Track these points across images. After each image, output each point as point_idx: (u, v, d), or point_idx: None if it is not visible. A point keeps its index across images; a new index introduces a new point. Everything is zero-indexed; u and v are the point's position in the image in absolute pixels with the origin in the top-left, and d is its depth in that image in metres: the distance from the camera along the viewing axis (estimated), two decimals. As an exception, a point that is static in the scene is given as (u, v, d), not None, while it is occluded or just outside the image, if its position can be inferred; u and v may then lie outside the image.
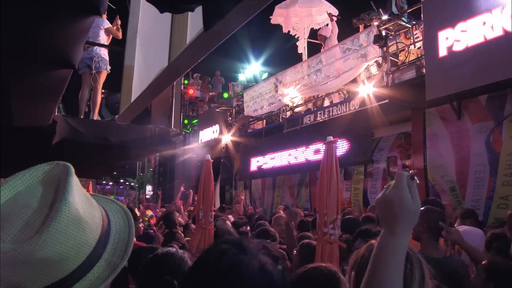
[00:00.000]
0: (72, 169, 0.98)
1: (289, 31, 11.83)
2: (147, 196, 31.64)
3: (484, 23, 5.99)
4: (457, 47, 6.31)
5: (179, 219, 5.86)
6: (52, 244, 0.87)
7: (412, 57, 7.67)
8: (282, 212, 6.84)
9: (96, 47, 6.64)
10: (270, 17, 11.57)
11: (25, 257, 0.84)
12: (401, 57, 7.91)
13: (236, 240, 1.05)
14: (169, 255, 2.02)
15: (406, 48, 7.98)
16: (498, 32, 5.82)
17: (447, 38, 6.45)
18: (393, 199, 1.12)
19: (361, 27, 9.13)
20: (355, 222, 4.50)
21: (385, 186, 1.18)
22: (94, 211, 1.01)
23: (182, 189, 10.00)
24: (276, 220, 5.25)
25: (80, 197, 0.97)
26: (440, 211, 3.44)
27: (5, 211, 0.88)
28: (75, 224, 0.92)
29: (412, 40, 7.96)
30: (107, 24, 6.91)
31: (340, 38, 9.88)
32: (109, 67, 6.82)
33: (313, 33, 11.61)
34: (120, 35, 7.05)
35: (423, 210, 3.36)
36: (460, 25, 6.29)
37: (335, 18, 10.29)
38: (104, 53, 6.74)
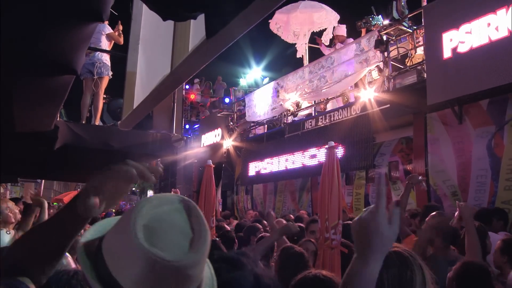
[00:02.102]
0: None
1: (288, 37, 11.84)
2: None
3: (489, 24, 5.97)
4: (462, 49, 6.30)
5: None
6: (198, 264, 0.95)
7: (415, 62, 7.68)
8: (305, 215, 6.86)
9: (97, 52, 6.67)
10: (269, 21, 11.52)
11: (182, 270, 0.91)
12: (409, 63, 7.91)
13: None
14: None
15: (413, 53, 7.99)
16: (503, 33, 5.80)
17: (451, 40, 6.45)
18: (369, 223, 1.07)
19: (363, 31, 9.15)
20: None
21: (363, 210, 1.14)
22: None
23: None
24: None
25: None
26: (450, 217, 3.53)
27: (153, 225, 0.94)
28: (206, 255, 1.00)
29: (413, 45, 7.98)
30: (108, 29, 6.94)
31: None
32: (110, 73, 6.84)
33: (315, 38, 11.63)
34: (121, 40, 7.08)
35: (436, 215, 3.44)
36: (464, 27, 6.29)
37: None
38: (106, 58, 6.76)
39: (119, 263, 0.93)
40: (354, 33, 9.91)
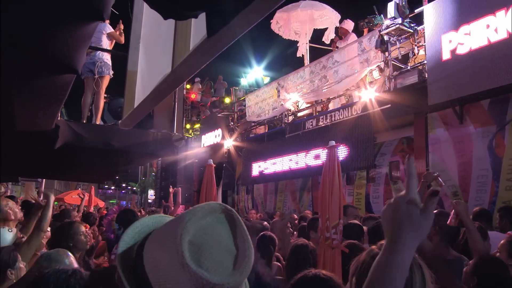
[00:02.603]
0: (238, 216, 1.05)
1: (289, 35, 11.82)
2: (149, 201, 31.69)
3: (488, 26, 5.96)
4: (461, 50, 6.29)
5: None
6: (240, 285, 0.96)
7: (418, 61, 7.66)
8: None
9: (98, 52, 6.66)
10: (271, 21, 11.53)
11: None
12: (411, 63, 7.89)
13: None
14: None
15: (416, 53, 7.97)
16: (502, 35, 5.79)
17: (450, 41, 6.43)
18: (400, 206, 0.96)
19: (365, 31, 9.14)
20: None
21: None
22: None
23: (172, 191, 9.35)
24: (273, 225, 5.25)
25: None
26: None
27: (198, 241, 0.94)
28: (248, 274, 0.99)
29: (415, 44, 7.96)
30: (109, 29, 6.93)
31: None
32: (111, 72, 6.84)
33: (316, 37, 11.63)
34: (122, 40, 7.08)
35: (435, 213, 3.44)
36: (464, 28, 6.28)
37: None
38: (106, 58, 6.76)
39: (164, 281, 0.93)
40: (356, 32, 9.91)
